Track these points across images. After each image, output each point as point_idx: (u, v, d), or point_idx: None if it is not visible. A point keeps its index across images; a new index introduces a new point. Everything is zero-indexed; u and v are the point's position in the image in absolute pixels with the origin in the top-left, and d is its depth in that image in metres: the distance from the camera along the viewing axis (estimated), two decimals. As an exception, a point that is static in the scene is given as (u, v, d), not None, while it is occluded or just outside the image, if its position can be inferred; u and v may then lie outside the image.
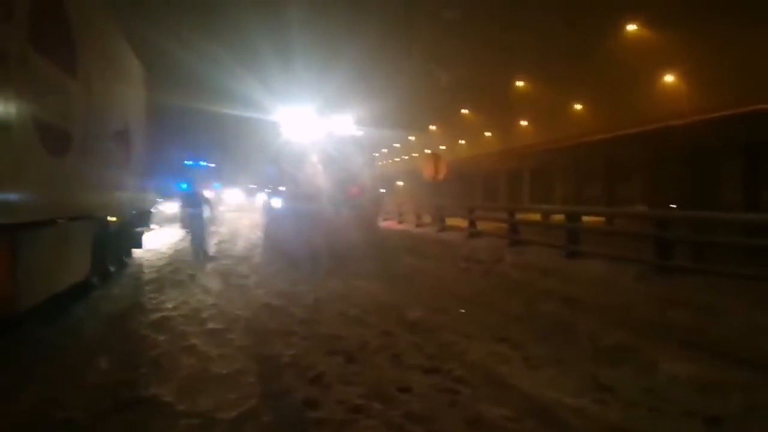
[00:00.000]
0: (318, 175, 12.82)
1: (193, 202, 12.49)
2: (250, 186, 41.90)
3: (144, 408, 4.03)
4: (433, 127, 61.47)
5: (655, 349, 5.26)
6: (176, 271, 10.37)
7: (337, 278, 9.21)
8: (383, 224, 17.92)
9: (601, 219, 20.78)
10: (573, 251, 10.96)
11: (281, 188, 12.96)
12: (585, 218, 13.31)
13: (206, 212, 12.51)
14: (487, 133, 56.19)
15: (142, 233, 12.00)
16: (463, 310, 7.14)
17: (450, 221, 17.77)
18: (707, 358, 5.03)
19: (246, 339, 5.88)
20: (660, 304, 7.06)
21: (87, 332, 6.07)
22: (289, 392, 4.33)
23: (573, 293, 7.68)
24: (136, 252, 11.72)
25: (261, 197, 22.34)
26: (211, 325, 6.38)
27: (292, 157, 13.20)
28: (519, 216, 14.53)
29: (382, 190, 18.05)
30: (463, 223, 17.27)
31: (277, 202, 12.97)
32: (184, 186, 26.52)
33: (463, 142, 59.88)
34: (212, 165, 34.73)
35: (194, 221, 12.23)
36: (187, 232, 12.76)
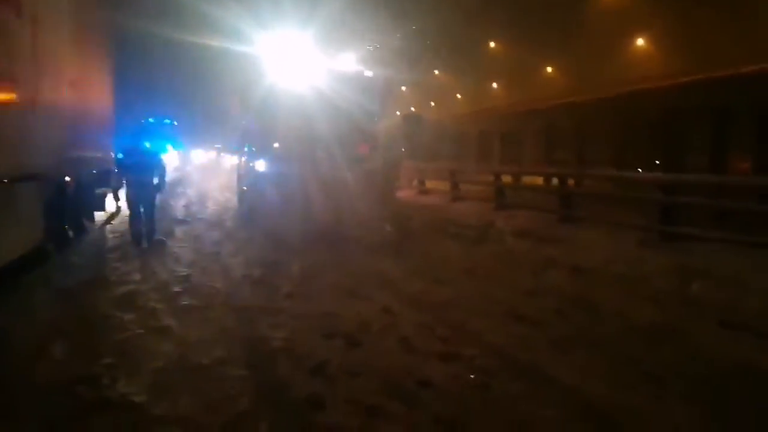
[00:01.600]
0: (315, 127, 10.10)
1: (139, 167, 8.54)
2: (216, 146, 40.20)
3: (109, 414, 3.25)
4: (403, 88, 60.22)
5: (694, 329, 4.71)
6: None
7: (327, 249, 8.40)
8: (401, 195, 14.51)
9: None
10: (566, 216, 10.43)
11: (266, 146, 10.54)
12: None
13: (157, 181, 8.78)
14: (458, 95, 55.31)
15: (104, 195, 10.95)
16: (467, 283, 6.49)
17: (429, 184, 17.11)
18: (754, 340, 4.51)
19: (227, 318, 5.10)
20: (679, 274, 6.54)
21: (38, 312, 5.15)
22: (287, 388, 3.62)
23: (580, 262, 7.10)
24: (99, 215, 10.69)
25: (233, 159, 20.66)
26: (185, 302, 5.58)
27: (281, 103, 10.44)
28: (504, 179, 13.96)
29: (402, 149, 14.97)
30: (442, 185, 16.63)
31: (260, 165, 10.48)
32: (146, 145, 25.16)
33: (433, 104, 58.90)
34: (175, 123, 33.07)
35: (139, 192, 8.59)
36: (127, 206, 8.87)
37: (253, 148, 11.28)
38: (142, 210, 8.64)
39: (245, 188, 12.04)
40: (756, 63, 26.29)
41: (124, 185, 8.99)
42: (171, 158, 28.30)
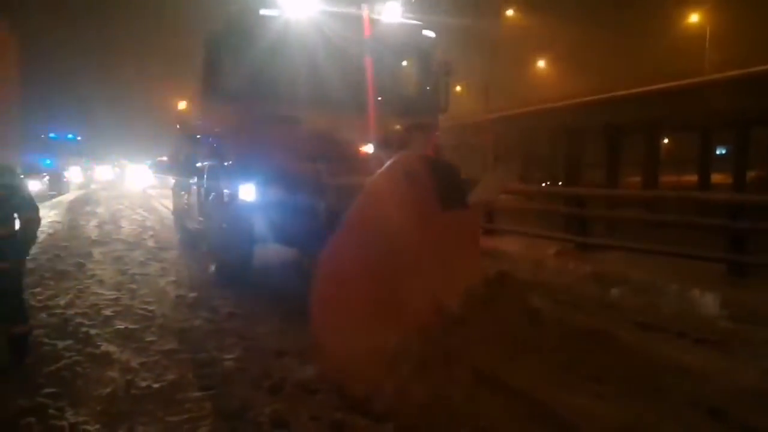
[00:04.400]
0: (341, 113, 6.52)
1: None
2: (146, 162, 38.09)
3: (64, 446, 3.12)
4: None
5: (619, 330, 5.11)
6: (56, 258, 8.89)
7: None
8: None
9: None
10: (489, 229, 10.91)
11: (256, 155, 6.49)
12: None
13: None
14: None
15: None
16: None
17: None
18: (673, 339, 4.97)
19: (168, 341, 4.97)
20: (597, 281, 7.05)
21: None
22: (248, 408, 3.59)
23: (508, 270, 7.46)
24: None
25: (149, 176, 19.08)
26: (120, 325, 5.37)
27: (285, 76, 6.72)
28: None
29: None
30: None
31: (246, 191, 6.42)
32: (48, 162, 23.65)
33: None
34: (79, 138, 31.24)
35: None
36: None
37: (226, 162, 7.19)
38: None
39: (209, 234, 7.69)
40: (641, 83, 28.67)
41: None
42: (75, 175, 26.80)
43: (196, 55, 8.44)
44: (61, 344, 4.74)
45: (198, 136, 9.10)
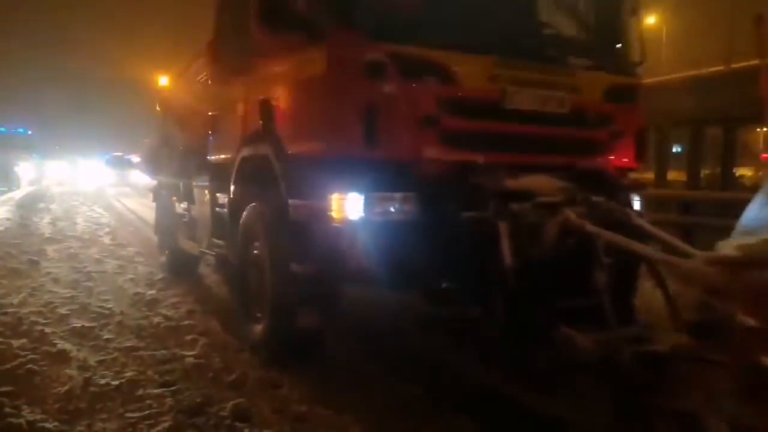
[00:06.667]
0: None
1: None
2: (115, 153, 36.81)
3: (22, 442, 3.08)
4: None
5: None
6: (7, 256, 8.63)
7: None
8: None
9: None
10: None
11: (344, 125, 3.69)
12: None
13: None
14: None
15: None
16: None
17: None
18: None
19: (127, 339, 4.92)
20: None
21: None
22: (210, 403, 3.61)
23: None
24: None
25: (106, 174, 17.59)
26: (76, 323, 5.28)
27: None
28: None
29: None
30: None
31: (350, 201, 3.56)
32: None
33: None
34: (30, 132, 30.21)
35: None
36: None
37: (291, 147, 4.13)
38: None
39: (248, 273, 4.76)
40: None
41: None
42: (26, 170, 25.94)
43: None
44: (15, 343, 4.61)
45: (213, 113, 5.76)
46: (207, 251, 6.04)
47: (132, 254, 9.00)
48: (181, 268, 7.57)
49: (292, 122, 4.19)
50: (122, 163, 34.55)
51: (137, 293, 6.48)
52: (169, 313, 5.68)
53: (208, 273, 7.50)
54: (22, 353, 4.39)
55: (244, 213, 4.67)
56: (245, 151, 4.78)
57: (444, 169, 3.84)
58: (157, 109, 9.09)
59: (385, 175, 3.65)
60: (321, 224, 3.71)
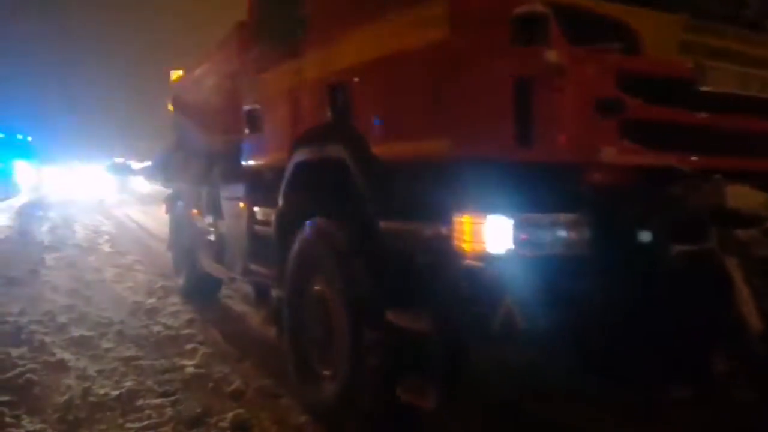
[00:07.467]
0: None
1: None
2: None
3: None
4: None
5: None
6: (7, 264, 8.63)
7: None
8: None
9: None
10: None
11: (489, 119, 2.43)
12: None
13: None
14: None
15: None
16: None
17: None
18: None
19: (126, 348, 4.92)
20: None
21: None
22: (210, 414, 3.60)
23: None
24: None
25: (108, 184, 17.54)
26: (75, 332, 5.27)
27: None
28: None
29: None
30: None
31: (494, 229, 2.30)
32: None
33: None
34: (30, 138, 30.29)
35: None
36: None
37: (383, 149, 3.03)
38: None
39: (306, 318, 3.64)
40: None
41: None
42: (26, 177, 25.97)
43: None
44: (15, 352, 4.62)
45: (250, 108, 4.61)
46: (241, 278, 4.98)
47: (131, 262, 9.00)
48: (202, 292, 6.59)
49: (384, 113, 3.06)
50: (123, 170, 34.54)
51: (136, 302, 6.47)
52: (168, 322, 5.68)
53: (231, 294, 6.95)
54: (22, 363, 4.39)
55: (300, 234, 3.59)
56: (301, 154, 3.68)
57: (628, 179, 2.61)
58: (169, 107, 7.90)
59: (543, 186, 2.43)
60: (439, 259, 2.53)
